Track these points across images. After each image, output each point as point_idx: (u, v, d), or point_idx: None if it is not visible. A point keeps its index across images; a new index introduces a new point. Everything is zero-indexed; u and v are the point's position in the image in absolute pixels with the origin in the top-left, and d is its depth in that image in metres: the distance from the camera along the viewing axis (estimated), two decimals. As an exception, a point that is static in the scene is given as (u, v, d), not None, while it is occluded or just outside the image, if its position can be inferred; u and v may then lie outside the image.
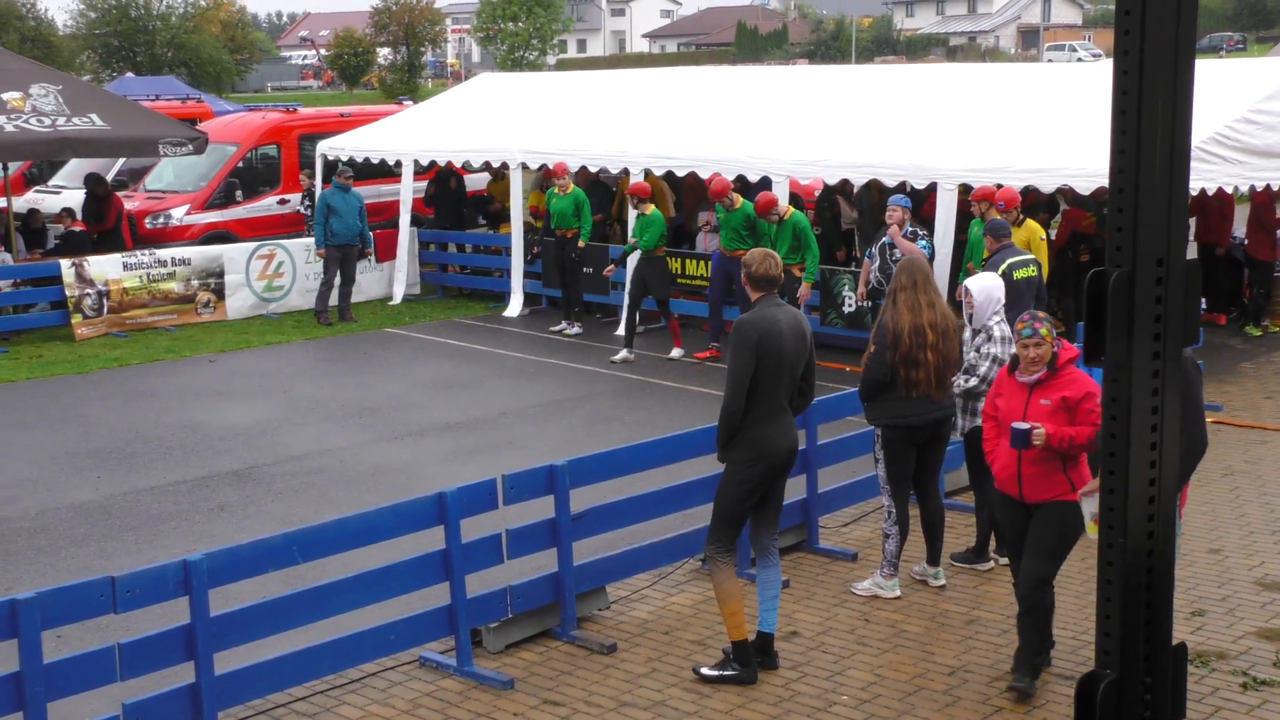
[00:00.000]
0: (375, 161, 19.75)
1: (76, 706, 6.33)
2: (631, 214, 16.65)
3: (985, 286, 8.57)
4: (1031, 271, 11.30)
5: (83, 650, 6.23)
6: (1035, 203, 15.35)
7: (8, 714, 5.78)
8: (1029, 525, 6.91)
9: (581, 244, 16.52)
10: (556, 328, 16.84)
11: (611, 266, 16.38)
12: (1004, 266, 11.01)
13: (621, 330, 15.79)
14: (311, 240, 17.90)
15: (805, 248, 14.29)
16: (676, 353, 15.30)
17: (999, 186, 12.84)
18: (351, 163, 19.61)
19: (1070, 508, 6.78)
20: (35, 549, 9.44)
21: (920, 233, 13.33)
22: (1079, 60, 64.29)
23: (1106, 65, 16.04)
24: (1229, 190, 13.81)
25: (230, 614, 6.44)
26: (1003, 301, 8.49)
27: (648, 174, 16.77)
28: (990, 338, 8.26)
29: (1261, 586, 8.29)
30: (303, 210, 20.06)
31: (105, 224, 18.60)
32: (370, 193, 20.66)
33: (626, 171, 17.04)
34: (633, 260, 16.05)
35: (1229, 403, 12.73)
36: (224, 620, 6.36)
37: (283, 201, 20.88)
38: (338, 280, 17.63)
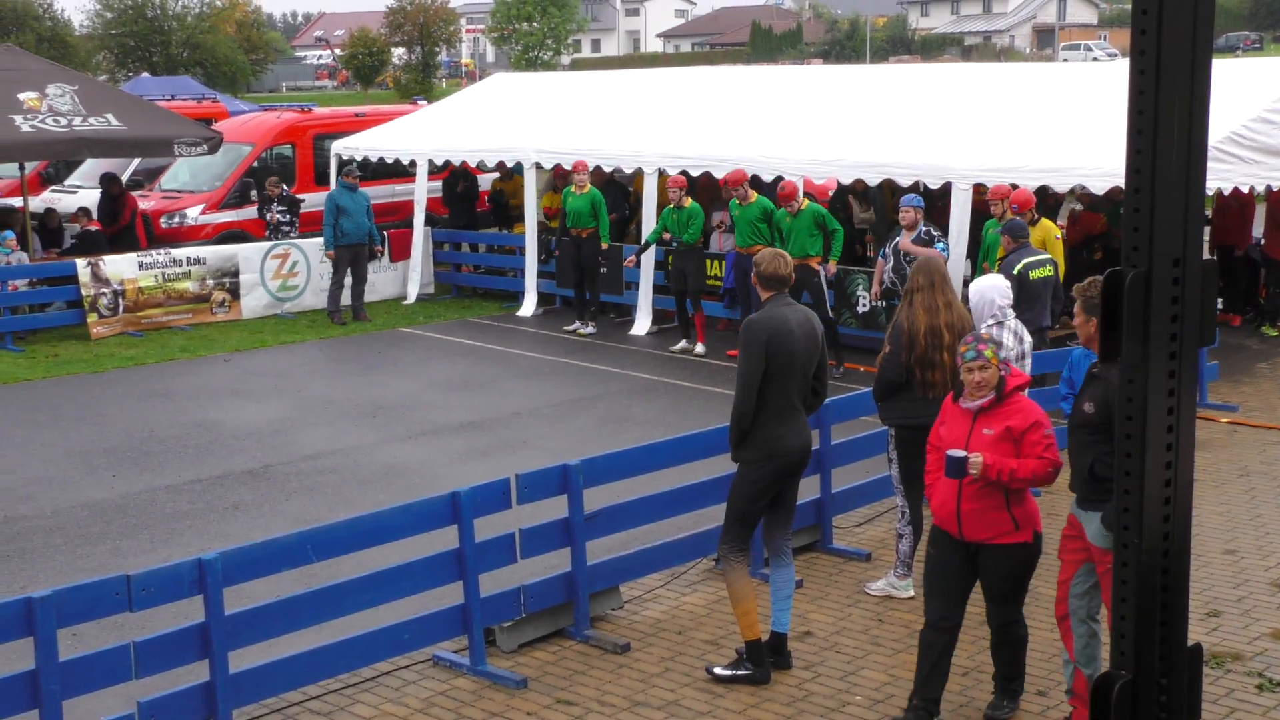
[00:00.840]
0: (390, 161, 19.79)
1: (92, 704, 6.35)
2: (647, 208, 16.66)
3: (980, 288, 8.57)
4: (1048, 271, 11.28)
5: (98, 648, 6.25)
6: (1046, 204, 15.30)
7: (24, 711, 5.81)
8: (965, 567, 6.41)
9: (605, 245, 16.54)
10: (570, 327, 16.86)
11: (632, 259, 16.41)
12: (1020, 266, 10.99)
13: (644, 323, 16.03)
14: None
15: (831, 232, 14.35)
16: (700, 348, 15.36)
17: (1014, 187, 12.81)
18: (365, 162, 19.67)
19: (1017, 550, 6.33)
20: (51, 547, 9.48)
21: (937, 235, 13.30)
22: (1094, 60, 64.14)
23: (1122, 65, 15.99)
24: (1244, 190, 13.76)
25: (244, 613, 6.46)
26: (1000, 304, 8.45)
27: (662, 174, 16.78)
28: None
29: (1277, 587, 8.26)
30: (275, 215, 19.09)
31: (120, 221, 18.67)
32: (385, 192, 20.73)
33: (640, 171, 17.04)
34: (649, 256, 16.15)
35: (1245, 403, 12.69)
36: (238, 619, 6.38)
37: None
38: (349, 280, 17.67)
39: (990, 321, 8.37)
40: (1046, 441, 6.26)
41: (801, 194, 14.47)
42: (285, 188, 19.45)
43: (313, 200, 20.34)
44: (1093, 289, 6.43)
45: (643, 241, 16.35)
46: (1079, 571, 6.45)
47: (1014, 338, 8.46)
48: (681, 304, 15.66)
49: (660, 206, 16.65)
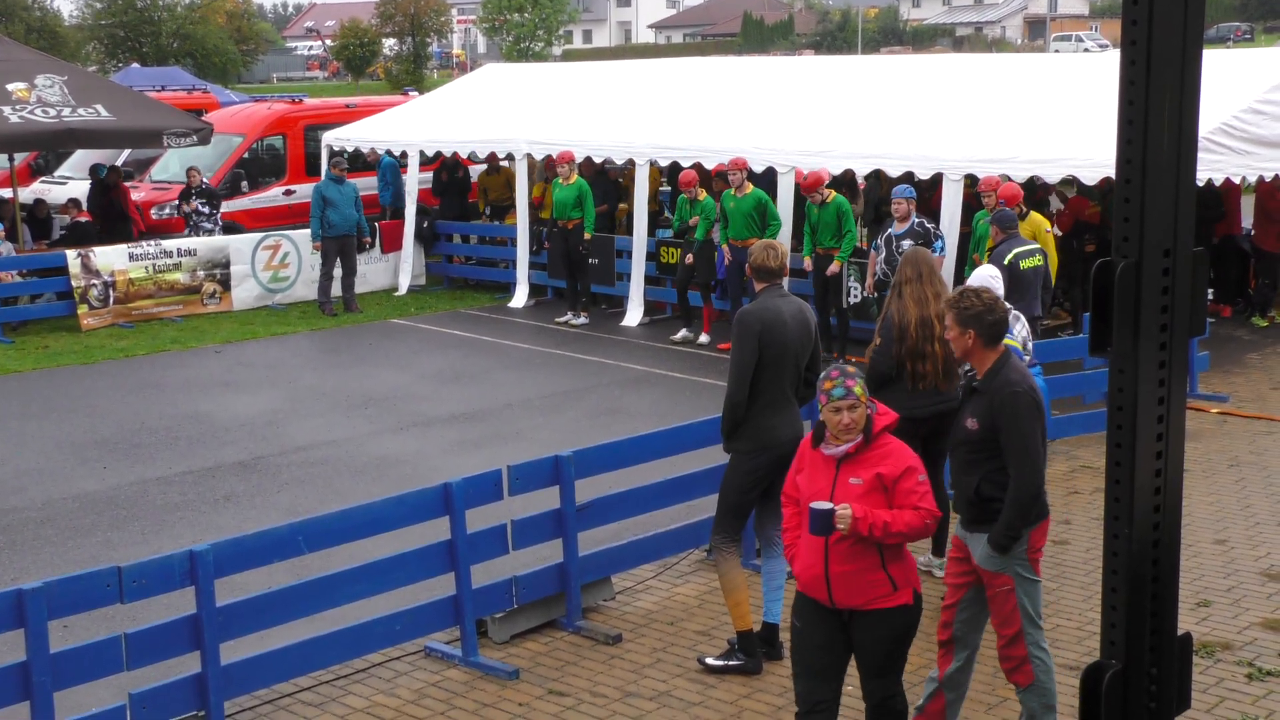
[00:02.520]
0: (381, 152, 19.74)
1: (83, 696, 6.35)
2: (638, 201, 16.62)
3: (972, 280, 8.45)
4: (1038, 261, 11.31)
5: (89, 640, 6.25)
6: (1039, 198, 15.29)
7: (15, 703, 5.80)
8: (836, 639, 5.55)
9: (587, 235, 16.48)
10: (562, 319, 16.84)
11: (690, 258, 15.52)
12: (1010, 257, 11.02)
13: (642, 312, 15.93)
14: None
15: (846, 232, 14.34)
16: (705, 338, 15.37)
17: (1006, 179, 12.82)
18: (357, 154, 19.63)
19: (896, 615, 5.47)
20: (42, 539, 9.46)
21: (932, 227, 13.28)
22: (1085, 51, 64.14)
23: (1113, 56, 15.98)
24: (1235, 180, 13.77)
25: (236, 604, 6.46)
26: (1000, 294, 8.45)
27: (653, 165, 16.76)
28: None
29: (1267, 577, 8.28)
30: (195, 204, 18.54)
31: (129, 216, 18.66)
32: (376, 183, 20.68)
33: (631, 163, 17.02)
34: (641, 246, 16.06)
35: (1235, 394, 12.71)
36: (230, 610, 6.37)
37: (289, 192, 20.87)
38: (339, 271, 17.64)
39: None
40: (922, 490, 5.44)
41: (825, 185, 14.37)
42: (206, 180, 18.90)
43: (303, 191, 20.31)
44: (965, 300, 5.95)
45: (678, 232, 16.04)
46: (964, 596, 6.08)
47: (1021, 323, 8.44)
48: (684, 294, 15.60)
49: (652, 197, 16.65)
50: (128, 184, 19.83)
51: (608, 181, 18.59)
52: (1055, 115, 14.05)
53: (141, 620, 6.83)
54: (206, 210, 18.57)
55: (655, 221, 17.47)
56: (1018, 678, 6.06)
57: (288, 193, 20.87)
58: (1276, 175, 13.83)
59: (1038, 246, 11.59)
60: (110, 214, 18.83)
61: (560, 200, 16.49)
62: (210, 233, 18.32)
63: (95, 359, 15.16)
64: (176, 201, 19.04)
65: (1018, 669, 6.03)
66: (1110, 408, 2.88)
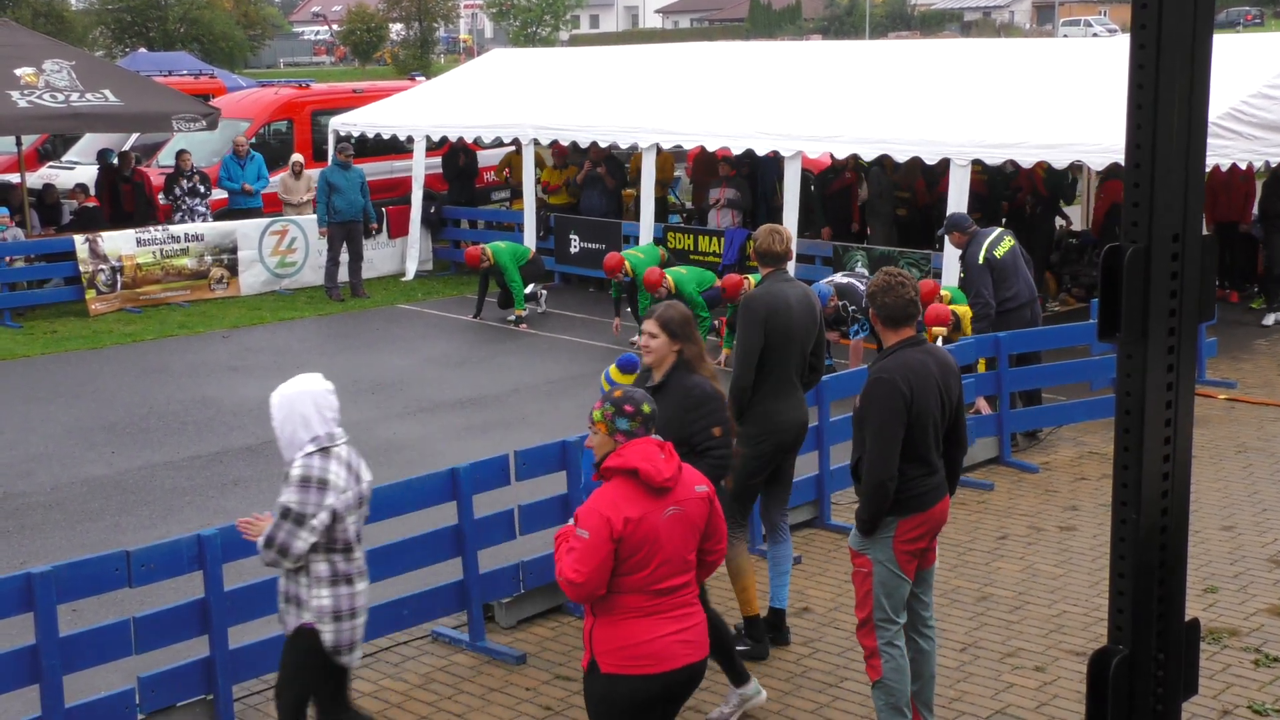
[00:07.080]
0: (387, 137, 19.73)
1: (92, 679, 6.38)
2: (645, 187, 16.58)
3: (288, 397, 5.63)
4: (1010, 242, 10.89)
5: (98, 624, 6.26)
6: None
7: (24, 686, 5.82)
8: None
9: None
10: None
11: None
12: (983, 253, 10.63)
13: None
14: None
15: (702, 318, 13.36)
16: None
17: (1022, 166, 12.67)
18: (363, 138, 19.62)
19: (587, 675, 5.01)
20: (50, 523, 9.49)
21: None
22: (1094, 35, 63.92)
23: (1122, 40, 15.85)
24: (1243, 166, 13.72)
25: (244, 588, 6.47)
26: (316, 418, 5.65)
27: (659, 150, 16.71)
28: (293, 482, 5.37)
29: (1274, 563, 8.28)
30: (194, 182, 18.17)
31: (152, 202, 18.65)
32: (383, 169, 20.68)
33: (636, 147, 16.97)
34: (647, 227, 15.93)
35: (1243, 380, 12.69)
36: (238, 595, 6.39)
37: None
38: (345, 256, 17.63)
39: (312, 446, 5.53)
40: (569, 546, 4.89)
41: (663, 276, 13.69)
42: (195, 164, 18.56)
43: (310, 176, 20.27)
44: (874, 278, 5.95)
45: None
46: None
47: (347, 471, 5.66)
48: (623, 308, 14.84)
49: (660, 183, 16.62)
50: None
51: (616, 165, 18.57)
52: (1063, 100, 14.00)
53: (150, 604, 6.86)
54: (203, 190, 18.47)
55: (662, 207, 17.46)
56: (868, 670, 6.02)
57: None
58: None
59: (1002, 230, 11.23)
60: (134, 200, 18.77)
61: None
62: (204, 217, 18.26)
63: (103, 344, 15.19)
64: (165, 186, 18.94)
65: (868, 660, 6.00)
66: (1119, 394, 2.88)
